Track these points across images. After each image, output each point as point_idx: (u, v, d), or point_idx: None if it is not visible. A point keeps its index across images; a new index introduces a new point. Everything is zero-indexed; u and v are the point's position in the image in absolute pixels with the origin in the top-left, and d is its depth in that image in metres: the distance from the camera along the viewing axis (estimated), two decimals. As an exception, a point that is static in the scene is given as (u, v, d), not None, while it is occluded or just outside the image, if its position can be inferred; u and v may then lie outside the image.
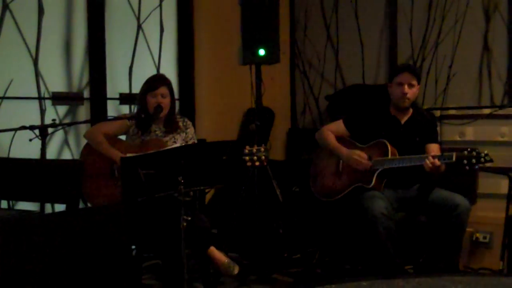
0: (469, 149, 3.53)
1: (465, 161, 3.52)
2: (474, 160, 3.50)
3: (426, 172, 3.65)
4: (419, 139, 3.90)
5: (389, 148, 3.81)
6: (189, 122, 3.94)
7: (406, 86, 3.85)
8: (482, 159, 3.49)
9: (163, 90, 3.78)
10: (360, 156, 3.87)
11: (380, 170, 3.80)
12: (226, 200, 4.80)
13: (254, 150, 3.47)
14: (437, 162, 3.58)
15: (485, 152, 3.51)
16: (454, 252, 3.74)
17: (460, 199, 3.70)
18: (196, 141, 3.92)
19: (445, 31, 5.19)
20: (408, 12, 5.38)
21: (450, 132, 4.78)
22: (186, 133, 3.88)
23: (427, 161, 3.60)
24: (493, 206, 4.39)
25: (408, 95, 3.86)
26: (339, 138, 4.05)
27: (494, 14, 4.97)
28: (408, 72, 3.88)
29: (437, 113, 4.83)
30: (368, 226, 3.70)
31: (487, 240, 4.41)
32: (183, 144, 3.77)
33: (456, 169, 3.61)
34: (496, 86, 4.98)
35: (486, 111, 4.87)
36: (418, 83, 3.91)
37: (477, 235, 4.44)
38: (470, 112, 4.91)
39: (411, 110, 3.98)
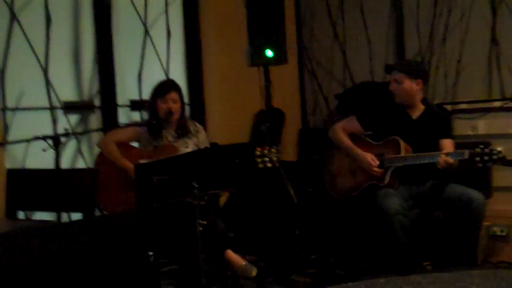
0: (482, 146, 3.50)
1: (477, 158, 3.50)
2: (487, 157, 3.48)
3: (439, 169, 3.64)
4: (433, 135, 3.87)
5: (402, 145, 3.80)
6: (200, 127, 3.95)
7: (392, 83, 3.90)
8: (495, 156, 3.46)
9: (173, 95, 3.79)
10: (373, 161, 3.87)
11: (393, 168, 3.79)
12: (241, 203, 4.80)
13: (265, 152, 3.46)
14: (449, 159, 3.57)
15: (498, 149, 3.48)
16: (471, 246, 3.73)
17: (475, 194, 3.68)
18: (208, 146, 3.92)
19: (452, 25, 5.16)
20: (414, 7, 5.35)
21: (462, 126, 4.75)
22: (197, 138, 3.88)
23: (440, 159, 3.59)
24: (510, 199, 4.37)
25: (396, 91, 3.89)
26: (352, 135, 4.05)
27: (500, 6, 4.94)
28: (394, 70, 3.93)
29: (448, 107, 4.80)
30: (383, 223, 3.70)
31: (504, 234, 4.39)
32: (195, 149, 3.78)
33: (469, 164, 3.59)
34: (506, 78, 4.95)
35: (497, 104, 4.85)
36: (412, 78, 3.86)
37: (494, 228, 4.41)
38: (481, 105, 4.90)
39: (423, 106, 3.96)
